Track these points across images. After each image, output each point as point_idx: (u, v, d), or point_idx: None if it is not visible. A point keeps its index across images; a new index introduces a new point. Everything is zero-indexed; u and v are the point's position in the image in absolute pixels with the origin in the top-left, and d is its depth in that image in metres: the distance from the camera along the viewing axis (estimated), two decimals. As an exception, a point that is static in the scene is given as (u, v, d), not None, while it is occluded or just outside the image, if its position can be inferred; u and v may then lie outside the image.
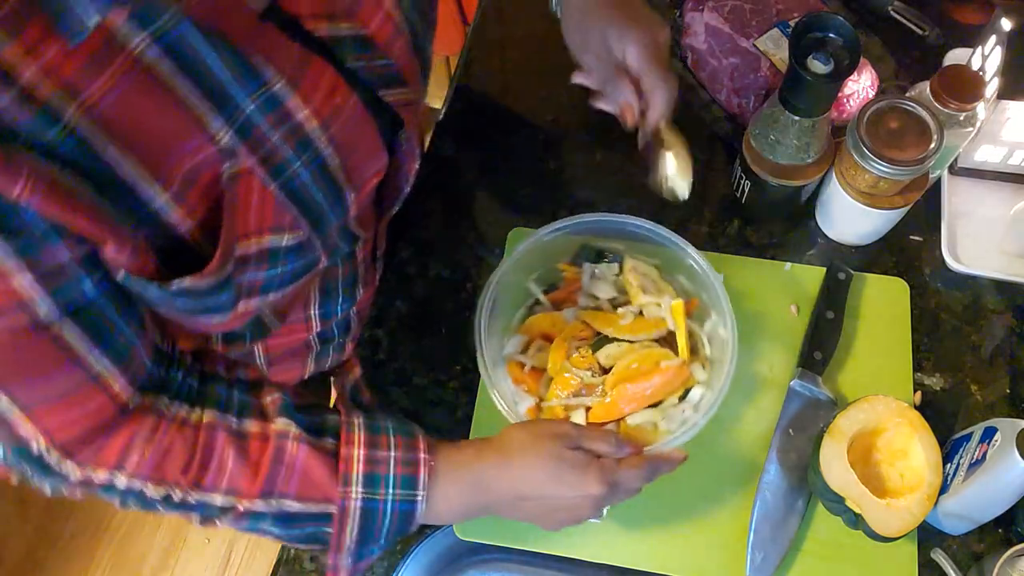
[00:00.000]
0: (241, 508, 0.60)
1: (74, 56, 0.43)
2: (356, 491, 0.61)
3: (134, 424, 0.58)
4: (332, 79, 0.57)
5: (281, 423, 0.62)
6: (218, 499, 0.60)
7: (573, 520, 0.66)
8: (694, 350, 0.78)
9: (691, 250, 0.76)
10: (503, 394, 0.75)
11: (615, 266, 0.81)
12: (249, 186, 0.53)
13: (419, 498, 0.62)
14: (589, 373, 0.76)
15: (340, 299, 0.81)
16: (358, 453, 0.62)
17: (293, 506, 0.61)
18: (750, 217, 0.89)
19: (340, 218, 0.62)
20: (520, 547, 0.76)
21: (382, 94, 0.61)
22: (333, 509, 0.61)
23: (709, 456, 0.78)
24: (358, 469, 0.61)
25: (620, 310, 0.79)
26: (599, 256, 0.82)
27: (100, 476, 0.58)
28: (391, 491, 0.62)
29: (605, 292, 0.80)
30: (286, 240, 0.58)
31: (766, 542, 0.73)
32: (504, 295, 0.79)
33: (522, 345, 0.80)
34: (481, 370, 0.74)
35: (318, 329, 0.83)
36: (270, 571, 0.78)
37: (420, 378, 0.84)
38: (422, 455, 0.63)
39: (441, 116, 1.00)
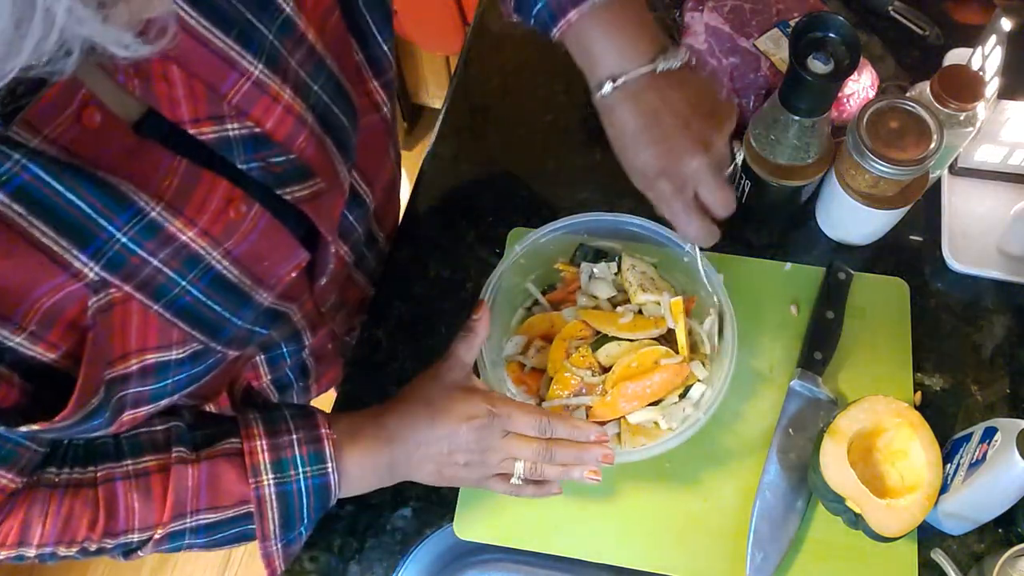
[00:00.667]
0: (157, 535, 0.61)
1: None
2: (267, 479, 0.63)
3: (25, 504, 0.59)
4: (226, 192, 0.53)
5: (179, 450, 0.62)
6: (134, 536, 0.61)
7: (473, 463, 0.67)
8: (693, 347, 0.78)
9: (690, 248, 0.76)
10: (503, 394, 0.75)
11: (613, 265, 0.81)
12: (127, 311, 0.51)
13: (330, 469, 0.64)
14: (589, 372, 0.76)
15: (284, 348, 0.80)
16: (261, 444, 0.63)
17: (209, 518, 0.62)
18: (750, 217, 0.89)
19: (249, 317, 0.60)
20: (520, 547, 0.76)
21: (281, 192, 0.57)
22: (250, 508, 0.63)
23: (709, 456, 0.78)
24: (264, 458, 0.63)
25: (619, 309, 0.79)
26: (597, 255, 0.82)
27: (4, 553, 0.59)
28: (301, 470, 0.64)
29: (604, 291, 0.80)
30: (175, 354, 0.56)
31: (766, 542, 0.73)
32: (503, 295, 0.79)
33: (521, 346, 0.80)
34: (480, 370, 0.74)
35: (269, 376, 0.82)
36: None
37: (420, 378, 0.84)
38: (323, 431, 0.65)
39: (441, 116, 1.00)
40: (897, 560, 0.73)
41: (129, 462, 0.61)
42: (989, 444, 0.67)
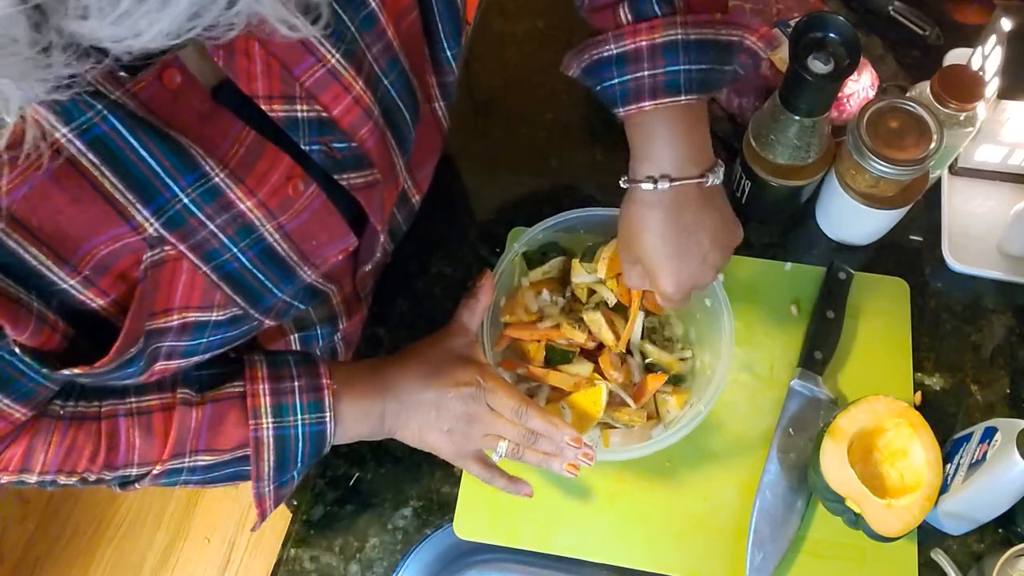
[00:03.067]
0: (156, 471, 0.63)
1: None
2: (267, 422, 0.64)
3: (29, 432, 0.60)
4: (287, 168, 0.54)
5: (183, 392, 0.63)
6: (133, 471, 0.62)
7: (456, 431, 0.68)
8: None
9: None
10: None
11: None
12: (177, 268, 0.52)
13: (328, 418, 0.66)
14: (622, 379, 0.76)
15: (319, 330, 0.81)
16: (263, 388, 0.65)
17: (207, 459, 0.64)
18: (750, 217, 0.89)
19: (291, 292, 0.61)
20: (520, 547, 0.76)
21: (339, 177, 0.59)
22: (247, 451, 0.64)
23: (709, 456, 0.78)
24: (266, 402, 0.64)
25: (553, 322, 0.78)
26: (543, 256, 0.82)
27: (6, 478, 0.60)
28: (300, 417, 0.65)
29: (537, 304, 0.79)
30: (215, 316, 0.57)
31: (766, 542, 0.73)
32: (502, 293, 0.79)
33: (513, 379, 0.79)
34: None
35: None
36: (270, 571, 0.78)
37: (420, 378, 0.84)
38: (324, 380, 0.66)
39: (441, 116, 1.00)
40: (897, 560, 0.73)
41: (133, 399, 0.62)
42: (989, 444, 0.67)
